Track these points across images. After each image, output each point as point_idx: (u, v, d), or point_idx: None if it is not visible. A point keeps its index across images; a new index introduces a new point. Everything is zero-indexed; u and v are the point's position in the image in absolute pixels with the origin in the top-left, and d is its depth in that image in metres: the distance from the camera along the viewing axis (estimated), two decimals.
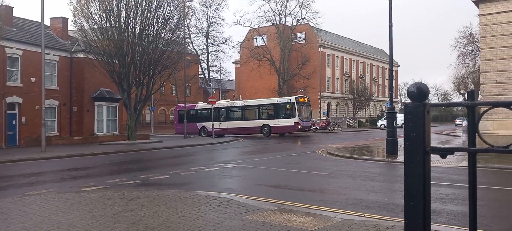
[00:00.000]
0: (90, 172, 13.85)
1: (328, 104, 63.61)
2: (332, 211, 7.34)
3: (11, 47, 26.39)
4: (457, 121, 68.50)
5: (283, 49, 56.10)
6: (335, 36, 71.57)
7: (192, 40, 55.48)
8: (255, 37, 60.76)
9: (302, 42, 60.59)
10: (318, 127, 45.99)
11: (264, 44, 58.51)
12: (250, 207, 7.39)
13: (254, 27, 58.77)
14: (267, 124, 35.64)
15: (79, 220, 6.40)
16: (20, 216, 6.76)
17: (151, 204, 7.55)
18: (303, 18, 55.96)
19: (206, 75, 58.66)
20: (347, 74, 69.71)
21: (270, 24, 57.26)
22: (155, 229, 5.94)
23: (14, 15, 28.98)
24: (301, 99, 36.41)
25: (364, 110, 67.21)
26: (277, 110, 35.81)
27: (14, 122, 26.79)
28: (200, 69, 59.25)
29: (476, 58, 38.27)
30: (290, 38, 57.27)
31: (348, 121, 59.53)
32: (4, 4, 25.45)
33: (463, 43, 41.75)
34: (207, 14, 57.98)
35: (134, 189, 9.60)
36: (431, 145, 1.67)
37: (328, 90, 63.41)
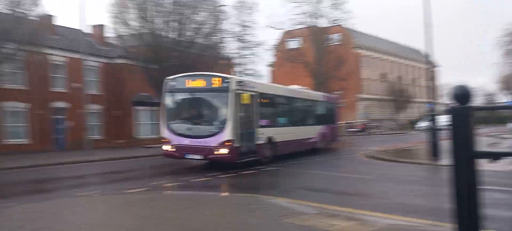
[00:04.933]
0: (133, 174, 14.21)
1: (366, 107, 62.47)
2: (376, 216, 7.17)
3: (54, 55, 27.60)
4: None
5: (317, 51, 55.65)
6: (370, 37, 70.20)
7: (226, 44, 56.04)
8: (288, 39, 60.62)
9: (336, 43, 59.85)
10: (358, 129, 45.47)
11: (298, 46, 58.25)
12: (290, 210, 7.35)
13: (287, 29, 58.61)
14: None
15: (126, 221, 6.58)
16: (71, 215, 7.03)
17: (193, 206, 7.65)
18: (337, 19, 55.25)
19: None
20: (385, 75, 68.16)
21: (303, 26, 56.95)
22: None
23: (56, 23, 30.24)
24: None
25: (403, 112, 65.45)
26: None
27: (60, 126, 28.00)
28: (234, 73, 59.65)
29: None
30: (324, 40, 56.73)
31: (387, 123, 58.17)
32: (46, 13, 26.60)
33: (507, 42, 39.87)
34: (240, 18, 58.41)
35: (175, 191, 9.78)
36: (478, 149, 1.57)
37: (365, 92, 62.23)
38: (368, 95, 63.23)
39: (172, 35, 28.88)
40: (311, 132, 20.32)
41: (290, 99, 18.91)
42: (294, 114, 19.20)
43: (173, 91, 14.82)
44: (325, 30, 57.40)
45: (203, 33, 30.57)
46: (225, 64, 48.82)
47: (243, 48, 58.45)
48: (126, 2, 27.78)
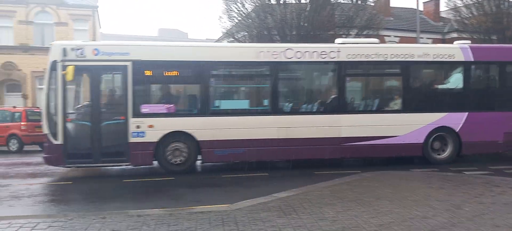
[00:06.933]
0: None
1: None
2: None
3: (389, 36, 29.11)
4: None
5: None
6: None
7: None
8: None
9: None
10: None
11: None
12: None
13: None
14: None
15: (466, 203, 6.32)
16: (408, 192, 7.43)
17: None
18: None
19: None
20: None
21: None
22: None
23: (391, 5, 31.78)
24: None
25: None
26: None
27: None
28: None
29: None
30: None
31: None
32: None
33: None
34: None
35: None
36: None
37: None
38: None
39: None
40: (383, 125, 10.70)
41: (253, 68, 10.89)
42: (272, 94, 10.54)
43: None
44: None
45: None
46: None
47: None
48: None
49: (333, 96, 10.98)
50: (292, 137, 10.27)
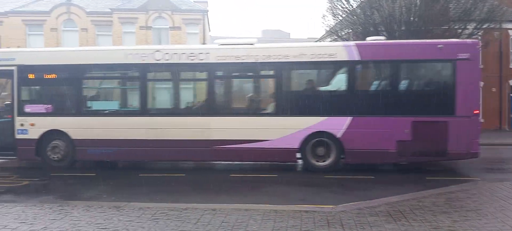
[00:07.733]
0: None
1: None
2: None
3: None
4: None
5: None
6: None
7: None
8: None
9: None
10: None
11: None
12: None
13: None
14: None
15: None
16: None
17: None
18: None
19: None
20: None
21: None
22: None
23: None
24: None
25: None
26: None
27: None
28: None
29: None
30: None
31: None
32: None
33: None
34: None
35: None
36: None
37: None
38: None
39: None
40: (254, 129, 10.12)
41: (127, 70, 11.09)
42: (142, 96, 10.65)
43: None
44: None
45: None
46: None
47: None
48: None
49: (203, 98, 10.86)
50: (161, 138, 10.30)
